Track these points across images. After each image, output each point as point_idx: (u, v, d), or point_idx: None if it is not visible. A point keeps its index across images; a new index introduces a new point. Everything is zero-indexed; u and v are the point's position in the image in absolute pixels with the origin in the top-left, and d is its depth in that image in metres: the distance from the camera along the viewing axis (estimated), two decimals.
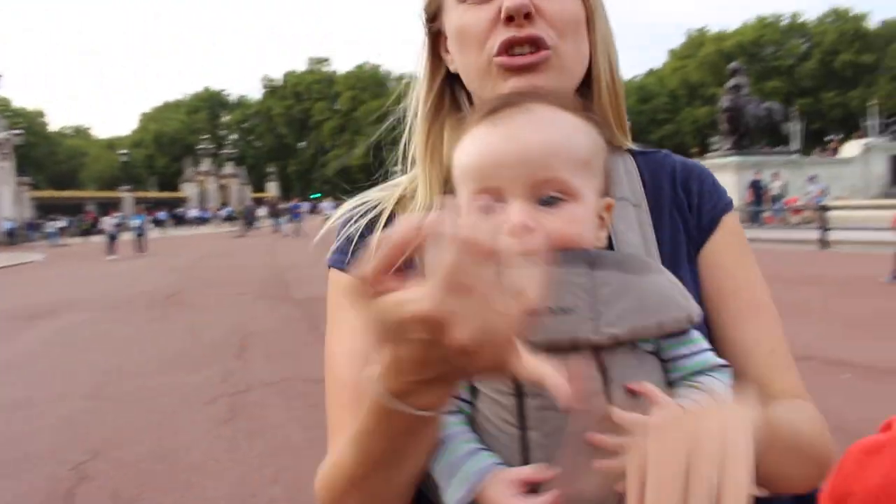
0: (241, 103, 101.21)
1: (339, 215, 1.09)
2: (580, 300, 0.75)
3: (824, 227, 17.24)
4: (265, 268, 20.22)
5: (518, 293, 0.59)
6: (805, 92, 76.60)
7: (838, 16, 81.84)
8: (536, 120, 0.83)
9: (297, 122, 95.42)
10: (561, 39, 0.95)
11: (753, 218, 22.85)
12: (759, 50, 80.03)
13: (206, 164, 75.19)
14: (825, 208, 18.25)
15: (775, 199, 24.55)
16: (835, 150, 36.00)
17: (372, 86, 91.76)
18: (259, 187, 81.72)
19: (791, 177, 25.89)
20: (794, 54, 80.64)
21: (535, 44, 0.94)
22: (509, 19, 0.94)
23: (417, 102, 1.08)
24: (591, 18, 1.00)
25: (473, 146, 0.83)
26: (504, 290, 0.59)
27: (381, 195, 1.09)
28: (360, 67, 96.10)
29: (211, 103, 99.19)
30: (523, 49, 0.94)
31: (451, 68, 1.05)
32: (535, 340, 0.65)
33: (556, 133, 0.82)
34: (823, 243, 17.01)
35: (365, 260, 0.62)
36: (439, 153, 1.03)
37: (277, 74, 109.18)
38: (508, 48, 0.94)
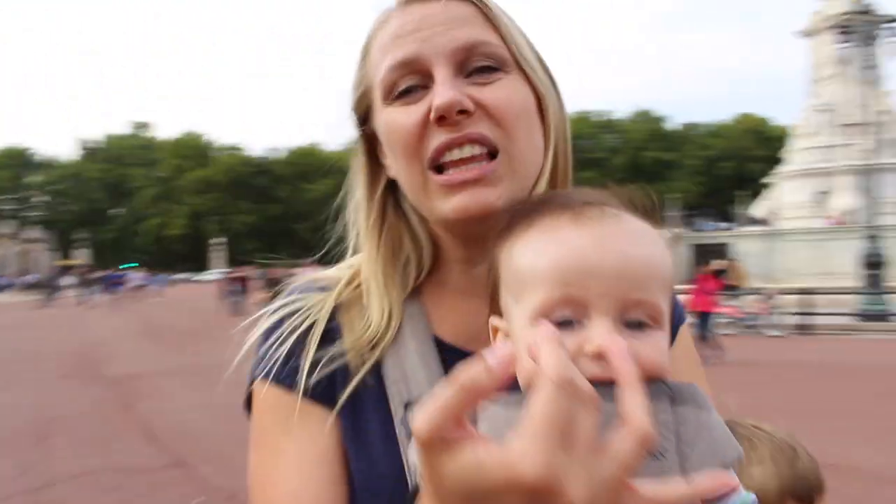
0: (51, 164, 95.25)
1: (266, 321, 0.94)
2: (668, 442, 0.65)
3: None
4: (72, 342, 18.61)
5: (629, 430, 0.53)
6: (616, 183, 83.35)
7: (644, 116, 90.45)
8: (631, 230, 0.72)
9: (113, 186, 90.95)
10: (509, 137, 0.84)
11: None
12: (575, 142, 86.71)
13: (6, 226, 69.48)
14: None
15: None
16: None
17: (195, 154, 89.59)
18: (67, 254, 76.43)
19: None
20: (606, 148, 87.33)
21: (479, 143, 0.83)
22: (441, 119, 0.82)
23: (356, 213, 0.98)
24: (543, 104, 0.90)
25: (555, 246, 0.70)
26: (611, 430, 0.53)
27: (310, 300, 0.94)
28: (185, 135, 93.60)
29: (15, 161, 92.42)
30: (462, 152, 0.83)
31: (391, 175, 0.94)
32: None
33: (654, 250, 0.72)
34: None
35: (427, 405, 0.54)
36: (392, 269, 0.93)
37: (94, 135, 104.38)
38: (445, 153, 0.83)
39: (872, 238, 19.90)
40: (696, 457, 0.66)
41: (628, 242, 0.70)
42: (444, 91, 0.82)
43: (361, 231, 0.96)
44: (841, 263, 23.05)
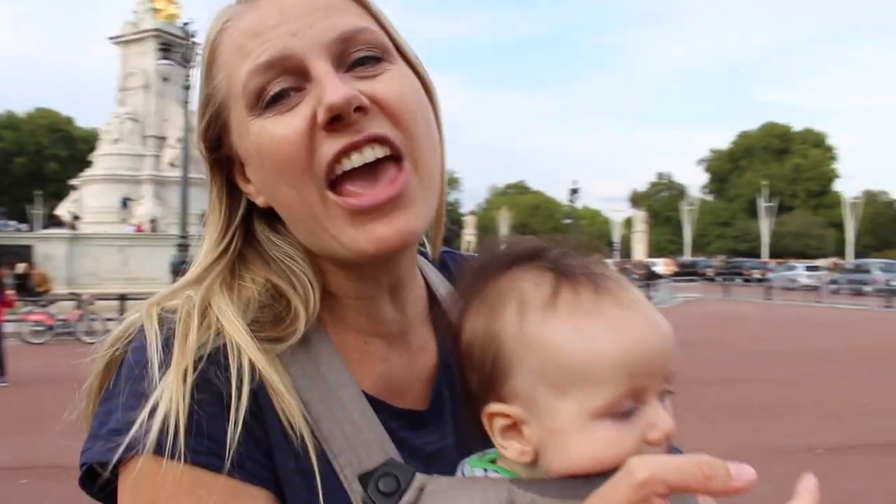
0: None
1: (175, 389, 0.69)
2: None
3: None
4: None
5: None
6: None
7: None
8: (645, 300, 0.70)
9: None
10: (411, 138, 0.74)
11: None
12: None
13: None
14: None
15: None
16: None
17: None
18: None
19: None
20: None
21: (380, 145, 0.72)
22: (333, 121, 0.70)
23: (205, 259, 0.80)
24: (432, 96, 0.81)
25: (615, 336, 0.66)
26: None
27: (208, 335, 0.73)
28: None
29: None
30: (363, 156, 0.71)
31: (260, 202, 0.79)
32: None
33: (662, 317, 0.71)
34: None
35: (665, 460, 0.57)
36: (259, 328, 0.75)
37: None
38: (342, 161, 0.71)
39: (181, 247, 21.13)
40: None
41: (657, 315, 0.69)
42: (335, 86, 0.69)
43: (213, 284, 0.77)
44: (148, 269, 23.82)
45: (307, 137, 0.71)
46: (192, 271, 0.80)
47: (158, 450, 0.67)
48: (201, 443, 0.68)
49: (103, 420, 0.71)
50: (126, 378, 0.71)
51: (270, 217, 0.81)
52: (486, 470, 0.73)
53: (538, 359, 0.67)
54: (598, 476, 0.63)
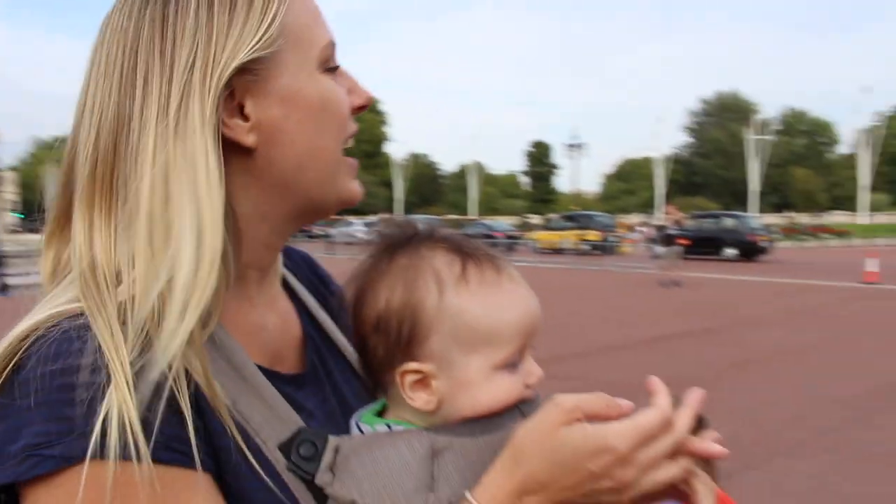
0: None
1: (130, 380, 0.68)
2: None
3: None
4: None
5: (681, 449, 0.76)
6: None
7: None
8: (520, 275, 0.88)
9: None
10: None
11: None
12: None
13: None
14: None
15: None
16: None
17: None
18: None
19: None
20: None
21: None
22: (359, 109, 0.90)
23: (186, 205, 0.73)
24: None
25: (512, 305, 0.83)
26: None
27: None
28: None
29: None
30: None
31: (248, 141, 0.80)
32: None
33: None
34: None
35: (578, 397, 0.75)
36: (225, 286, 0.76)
37: None
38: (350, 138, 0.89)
39: None
40: None
41: (530, 289, 0.87)
42: (365, 87, 0.90)
43: (201, 226, 0.73)
44: None
45: (348, 109, 0.88)
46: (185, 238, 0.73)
47: (116, 454, 0.65)
48: (161, 441, 0.67)
49: (7, 439, 0.66)
50: (36, 391, 0.66)
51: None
52: (389, 426, 0.82)
53: (454, 324, 0.81)
54: (493, 416, 0.80)
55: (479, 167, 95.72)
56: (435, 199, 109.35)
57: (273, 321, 0.90)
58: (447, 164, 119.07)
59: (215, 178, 0.75)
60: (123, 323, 0.70)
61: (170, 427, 0.69)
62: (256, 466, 0.74)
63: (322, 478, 0.77)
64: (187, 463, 0.69)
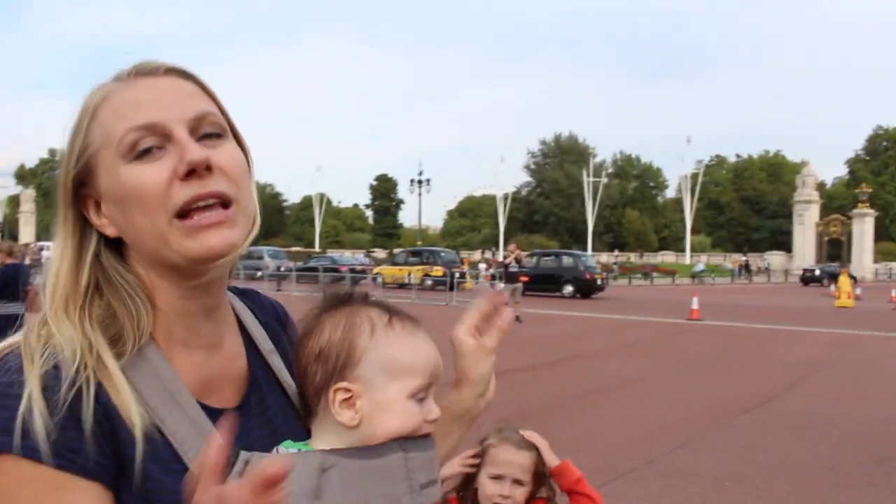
0: None
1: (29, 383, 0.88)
2: (437, 472, 1.03)
3: None
4: None
5: None
6: None
7: None
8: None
9: None
10: (239, 190, 0.99)
11: None
12: None
13: None
14: None
15: None
16: None
17: None
18: None
19: None
20: None
21: (220, 198, 0.96)
22: (189, 174, 0.95)
23: (57, 281, 0.98)
24: (250, 161, 1.07)
25: (424, 349, 1.04)
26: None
27: (54, 348, 0.92)
28: None
29: None
30: (206, 203, 0.95)
31: (109, 233, 1.01)
32: None
33: None
34: None
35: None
36: (89, 317, 0.96)
37: None
38: (190, 207, 0.95)
39: None
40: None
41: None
42: (195, 148, 0.95)
43: (59, 286, 0.98)
44: None
45: (167, 183, 0.94)
46: (55, 299, 0.97)
47: (22, 451, 0.84)
48: (58, 448, 0.85)
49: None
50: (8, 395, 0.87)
51: (117, 248, 1.02)
52: (298, 450, 0.99)
53: (380, 355, 1.01)
54: (378, 446, 0.97)
55: (324, 199, 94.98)
56: (279, 230, 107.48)
57: (216, 360, 1.06)
58: (292, 194, 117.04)
59: (69, 256, 0.99)
60: (42, 354, 0.91)
61: (68, 437, 0.86)
62: (164, 480, 0.92)
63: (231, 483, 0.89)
64: (76, 470, 0.86)
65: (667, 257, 78.26)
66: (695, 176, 79.41)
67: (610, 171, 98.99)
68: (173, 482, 0.90)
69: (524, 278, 22.19)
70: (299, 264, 43.26)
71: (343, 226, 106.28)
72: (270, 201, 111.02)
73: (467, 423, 1.19)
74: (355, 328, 1.03)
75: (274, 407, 1.12)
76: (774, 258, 73.55)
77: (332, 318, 1.05)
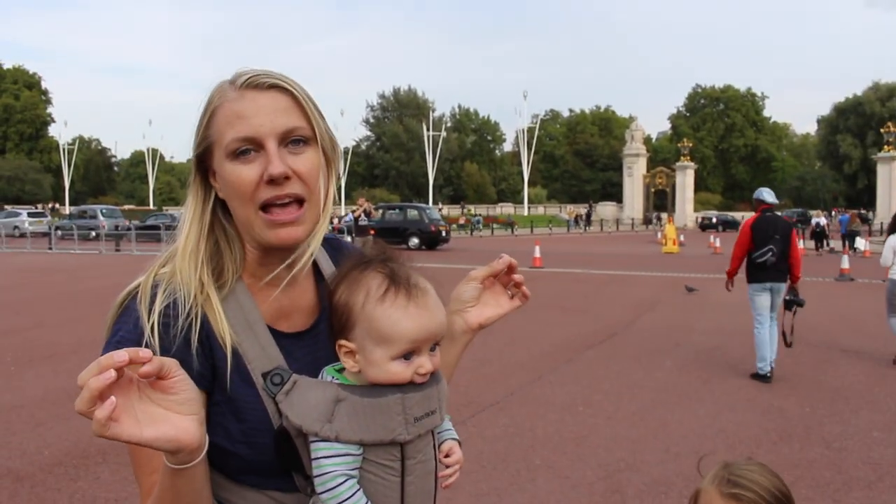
0: None
1: (148, 302, 1.22)
2: (437, 404, 1.25)
3: None
4: None
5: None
6: None
7: None
8: (434, 300, 1.25)
9: None
10: (311, 192, 1.25)
11: None
12: None
13: None
14: None
15: None
16: None
17: None
18: None
19: None
20: None
21: (294, 199, 1.23)
22: (271, 181, 1.21)
23: (192, 214, 1.30)
24: (330, 163, 1.32)
25: (407, 321, 1.20)
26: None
27: (171, 281, 1.25)
28: None
29: None
30: (283, 201, 1.22)
31: (221, 195, 1.29)
32: (419, 432, 1.20)
33: (441, 307, 1.26)
34: None
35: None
36: (204, 258, 1.27)
37: None
38: (271, 203, 1.22)
39: None
40: (444, 407, 1.29)
41: (437, 309, 1.24)
42: (277, 163, 1.20)
43: (190, 234, 1.29)
44: None
45: (255, 183, 1.21)
46: (187, 240, 1.28)
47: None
48: (162, 346, 1.18)
49: (110, 337, 1.22)
50: (123, 314, 1.24)
51: (225, 206, 1.30)
52: (333, 377, 1.24)
53: (368, 325, 1.20)
54: (382, 387, 1.19)
55: (157, 154, 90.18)
56: (108, 188, 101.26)
57: (291, 295, 1.34)
58: (121, 150, 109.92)
59: (196, 210, 1.30)
60: (164, 290, 1.23)
61: (179, 350, 1.18)
62: (239, 384, 1.23)
63: (279, 397, 1.20)
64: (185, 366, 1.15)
65: (505, 209, 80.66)
66: (531, 130, 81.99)
67: (449, 125, 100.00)
68: (242, 388, 1.22)
69: (372, 231, 22.39)
70: (136, 223, 41.29)
71: (178, 182, 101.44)
72: (97, 157, 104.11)
73: (457, 339, 1.47)
74: (354, 296, 1.22)
75: None
76: (606, 209, 77.68)
77: (347, 279, 1.25)
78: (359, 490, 1.17)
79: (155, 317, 1.19)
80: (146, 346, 1.15)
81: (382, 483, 1.19)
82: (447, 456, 1.31)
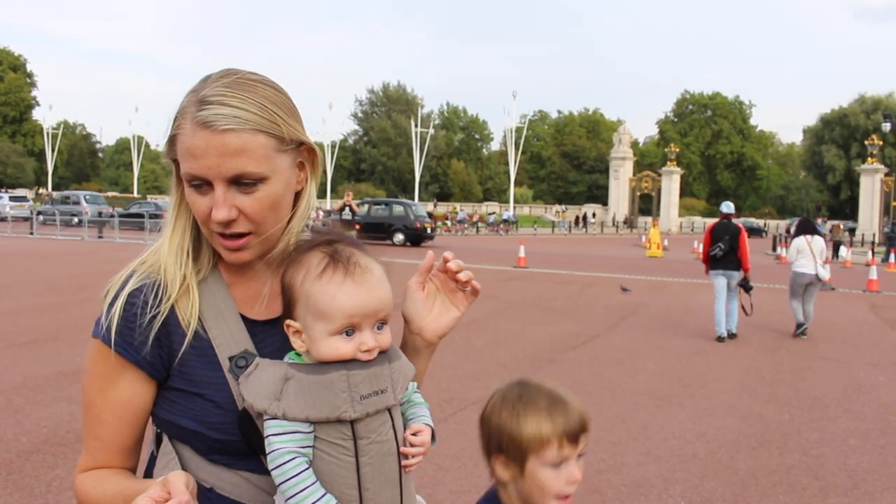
0: None
1: (119, 292, 1.32)
2: (388, 383, 1.24)
3: None
4: None
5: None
6: None
7: None
8: (376, 277, 1.26)
9: None
10: (259, 225, 1.29)
11: None
12: None
13: None
14: None
15: None
16: None
17: None
18: None
19: None
20: None
21: (239, 236, 1.29)
22: (218, 223, 1.27)
23: (175, 209, 1.36)
24: (316, 164, 1.40)
25: (343, 297, 1.22)
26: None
27: (148, 276, 1.34)
28: None
29: None
30: (233, 234, 1.29)
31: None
32: (367, 410, 1.20)
33: (385, 284, 1.28)
34: None
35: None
36: (185, 247, 1.36)
37: None
38: (220, 233, 1.29)
39: None
40: (399, 387, 1.27)
41: (378, 286, 1.26)
42: (220, 209, 1.24)
43: (176, 228, 1.36)
44: None
45: (207, 213, 1.27)
46: (173, 232, 1.36)
47: (105, 337, 1.30)
48: (119, 338, 1.28)
49: (98, 320, 1.31)
50: (107, 302, 1.32)
51: None
52: (292, 359, 1.26)
53: (307, 302, 1.24)
54: (327, 364, 1.21)
55: (143, 142, 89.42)
56: (92, 174, 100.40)
57: (264, 283, 1.37)
58: (106, 136, 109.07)
59: (179, 204, 1.35)
60: (147, 275, 1.34)
61: (134, 337, 1.29)
62: (201, 367, 1.31)
63: (241, 379, 1.26)
64: (133, 359, 1.29)
65: (491, 208, 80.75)
66: (519, 130, 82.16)
67: (437, 122, 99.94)
68: (208, 372, 1.30)
69: (357, 226, 22.31)
70: (120, 210, 40.97)
71: (163, 171, 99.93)
72: (82, 143, 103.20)
73: (421, 352, 1.45)
74: (296, 275, 1.26)
75: None
76: (591, 211, 77.99)
77: (293, 260, 1.28)
78: (308, 469, 1.18)
79: (118, 312, 1.28)
80: (113, 344, 1.29)
81: (336, 463, 1.20)
82: (414, 434, 1.29)
